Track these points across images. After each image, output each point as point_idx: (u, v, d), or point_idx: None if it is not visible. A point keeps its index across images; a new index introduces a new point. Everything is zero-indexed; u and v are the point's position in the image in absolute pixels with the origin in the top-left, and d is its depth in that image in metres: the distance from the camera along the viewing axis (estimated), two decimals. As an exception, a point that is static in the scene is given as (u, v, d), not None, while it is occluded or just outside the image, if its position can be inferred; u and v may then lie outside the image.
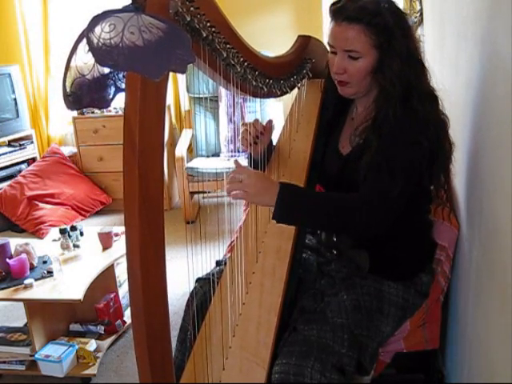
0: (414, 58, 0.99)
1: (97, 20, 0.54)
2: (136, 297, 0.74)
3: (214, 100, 2.88)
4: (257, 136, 1.18)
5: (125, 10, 0.57)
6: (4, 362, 1.60)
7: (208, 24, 0.77)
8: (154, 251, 0.73)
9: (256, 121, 1.18)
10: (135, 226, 0.69)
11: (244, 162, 1.25)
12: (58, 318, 1.72)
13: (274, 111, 2.90)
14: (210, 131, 2.89)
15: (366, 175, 0.98)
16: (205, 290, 1.13)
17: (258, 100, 2.79)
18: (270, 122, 1.21)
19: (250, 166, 1.24)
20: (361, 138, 1.03)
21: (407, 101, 0.97)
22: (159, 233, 0.73)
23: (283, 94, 1.15)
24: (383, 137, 0.98)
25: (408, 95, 0.98)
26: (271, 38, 2.63)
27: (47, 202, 2.77)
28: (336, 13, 0.98)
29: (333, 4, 1.01)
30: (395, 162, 0.95)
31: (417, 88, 0.98)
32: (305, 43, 1.20)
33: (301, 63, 1.19)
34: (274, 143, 1.29)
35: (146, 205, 0.69)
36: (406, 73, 0.97)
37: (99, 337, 1.72)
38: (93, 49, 0.52)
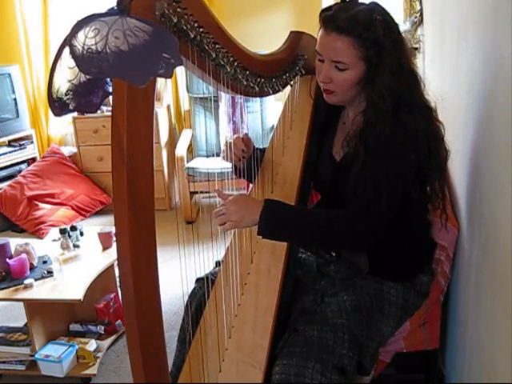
0: (405, 71, 0.97)
1: (80, 25, 0.53)
2: (128, 299, 0.74)
3: (214, 100, 2.87)
4: (242, 156, 1.17)
5: (109, 13, 0.56)
6: (4, 362, 1.60)
7: (196, 25, 0.76)
8: (146, 253, 0.73)
9: (237, 138, 1.16)
10: (125, 229, 0.68)
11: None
12: (57, 318, 1.72)
13: (274, 111, 2.88)
14: (210, 131, 2.89)
15: (353, 189, 0.98)
16: (204, 290, 1.13)
17: (257, 100, 2.78)
18: (246, 136, 1.19)
19: (239, 177, 1.24)
20: (349, 147, 1.02)
21: (396, 114, 0.96)
22: (150, 235, 0.73)
23: (276, 92, 1.13)
24: (370, 149, 0.97)
25: (397, 108, 0.96)
26: (271, 38, 2.60)
27: (47, 202, 2.78)
28: (326, 21, 0.96)
29: (323, 10, 0.99)
30: (380, 176, 0.94)
31: (407, 100, 0.96)
32: (297, 39, 1.18)
33: (293, 60, 1.17)
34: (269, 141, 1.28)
35: (136, 208, 0.68)
36: (396, 86, 0.95)
37: (99, 337, 1.72)
38: (76, 56, 0.51)
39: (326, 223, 0.97)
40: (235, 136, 1.18)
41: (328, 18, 0.96)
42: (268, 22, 2.94)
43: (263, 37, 2.73)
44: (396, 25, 0.99)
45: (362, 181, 0.96)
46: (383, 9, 0.98)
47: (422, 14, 1.67)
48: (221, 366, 0.93)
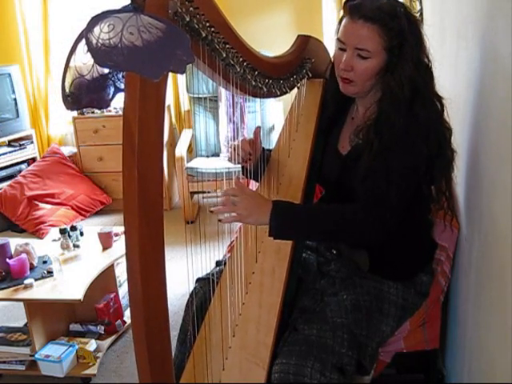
0: (423, 64, 0.99)
1: (96, 20, 0.54)
2: (135, 297, 0.74)
3: (214, 100, 2.88)
4: (248, 158, 1.17)
5: (124, 10, 0.57)
6: (4, 362, 1.60)
7: (207, 24, 0.77)
8: (154, 251, 0.73)
9: (243, 141, 1.16)
10: (135, 227, 0.69)
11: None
12: (58, 318, 1.72)
13: (274, 111, 2.89)
14: (210, 131, 2.90)
15: (364, 182, 0.99)
16: (205, 290, 1.13)
17: (257, 100, 2.79)
18: (258, 129, 1.19)
19: (247, 177, 1.24)
20: (359, 138, 1.03)
21: (411, 106, 0.97)
22: (159, 233, 0.73)
23: (283, 93, 1.14)
24: (383, 141, 0.98)
25: (412, 100, 0.97)
26: (271, 38, 2.63)
27: (47, 202, 2.77)
28: (353, 9, 0.97)
29: (348, 0, 1.00)
30: (393, 169, 0.95)
31: (423, 94, 0.98)
32: (304, 43, 1.19)
33: (300, 63, 1.19)
34: (272, 141, 1.29)
35: (146, 205, 0.69)
36: (415, 77, 0.97)
37: (99, 337, 1.72)
38: (92, 49, 0.52)
39: (338, 219, 0.97)
40: (242, 139, 1.18)
41: (354, 6, 0.97)
42: (268, 22, 2.95)
43: (264, 37, 2.75)
44: (417, 20, 1.01)
45: (374, 174, 0.96)
46: (405, 4, 1.01)
47: (422, 14, 1.68)
48: (224, 364, 0.94)
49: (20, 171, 2.94)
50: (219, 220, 0.93)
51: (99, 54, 0.52)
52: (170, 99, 3.11)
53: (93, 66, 0.60)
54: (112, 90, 0.64)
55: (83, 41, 0.55)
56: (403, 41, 0.96)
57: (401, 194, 0.96)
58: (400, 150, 0.96)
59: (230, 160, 1.19)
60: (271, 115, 2.89)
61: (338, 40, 1.01)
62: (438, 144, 0.99)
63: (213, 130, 2.90)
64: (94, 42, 0.52)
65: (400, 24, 0.95)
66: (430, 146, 0.97)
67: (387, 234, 0.97)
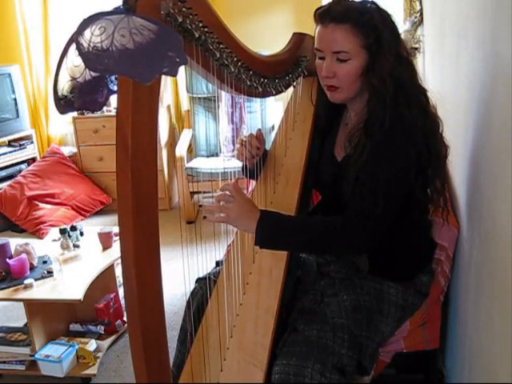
0: (403, 57, 0.98)
1: (86, 23, 0.53)
2: (131, 298, 0.73)
3: (214, 100, 2.88)
4: (256, 153, 1.18)
5: (115, 11, 0.56)
6: (4, 362, 1.60)
7: (200, 24, 0.77)
8: (149, 253, 0.73)
9: (251, 136, 1.17)
10: (129, 229, 0.69)
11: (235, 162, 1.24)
12: (58, 318, 1.72)
13: (274, 111, 2.89)
14: (210, 131, 2.89)
15: (352, 192, 0.98)
16: (204, 290, 1.13)
17: (257, 100, 2.78)
18: (260, 132, 1.20)
19: (246, 176, 1.25)
20: (351, 145, 1.02)
21: (396, 103, 0.96)
22: (154, 235, 0.73)
23: (278, 92, 1.14)
24: (372, 143, 0.96)
25: (397, 96, 0.96)
26: (271, 38, 2.61)
27: (47, 202, 2.78)
28: (322, 15, 0.97)
29: (318, 9, 1.00)
30: (379, 179, 0.94)
31: (406, 88, 0.96)
32: (300, 41, 1.18)
33: (296, 61, 1.18)
34: (271, 142, 1.29)
35: (140, 207, 0.69)
36: (396, 71, 0.96)
37: (99, 337, 1.72)
38: (82, 53, 0.52)
39: (323, 231, 0.96)
40: (249, 134, 1.18)
41: (323, 12, 0.97)
42: (268, 22, 2.95)
43: (263, 36, 2.74)
44: (390, 15, 1.00)
45: (361, 185, 0.96)
46: (376, 3, 0.99)
47: (422, 14, 1.67)
48: (222, 366, 0.93)
49: (20, 171, 2.95)
50: (204, 217, 0.93)
51: (90, 58, 0.51)
52: (169, 99, 3.11)
53: (85, 68, 0.59)
54: (105, 92, 0.64)
55: (74, 44, 0.54)
56: (379, 36, 0.94)
57: (387, 205, 0.94)
58: (387, 157, 0.95)
59: (237, 158, 1.19)
60: (271, 115, 2.89)
61: (316, 50, 1.00)
62: (426, 144, 0.97)
63: (213, 130, 2.90)
64: (85, 45, 0.52)
65: (372, 18, 0.94)
66: (419, 146, 0.95)
67: (374, 244, 0.97)
